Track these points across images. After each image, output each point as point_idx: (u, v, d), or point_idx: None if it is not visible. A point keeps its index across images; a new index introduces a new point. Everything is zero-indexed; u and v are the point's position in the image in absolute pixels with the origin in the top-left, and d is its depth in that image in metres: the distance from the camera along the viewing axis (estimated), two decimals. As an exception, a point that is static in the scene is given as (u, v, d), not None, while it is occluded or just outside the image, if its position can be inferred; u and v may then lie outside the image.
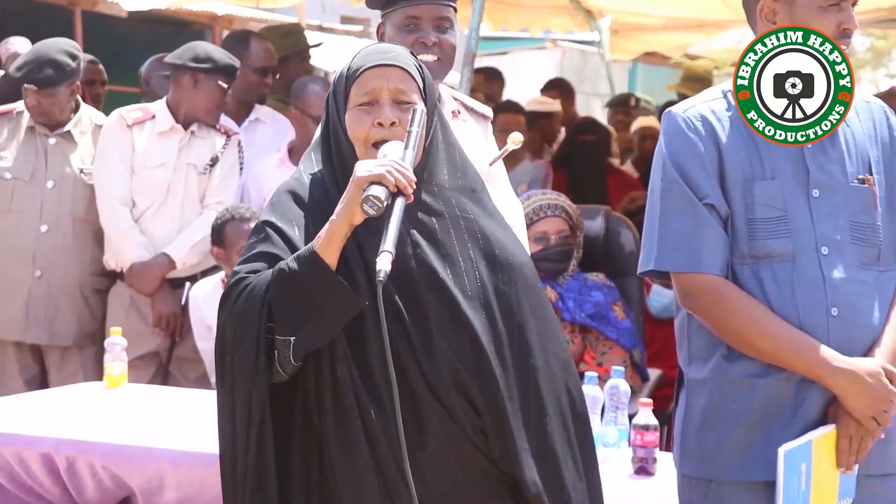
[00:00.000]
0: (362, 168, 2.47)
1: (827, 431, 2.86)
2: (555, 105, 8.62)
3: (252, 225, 5.00)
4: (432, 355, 2.52)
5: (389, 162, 2.48)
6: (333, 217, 2.49)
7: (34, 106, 5.31)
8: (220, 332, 2.59)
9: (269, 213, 2.64)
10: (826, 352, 2.85)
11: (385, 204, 2.44)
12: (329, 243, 2.48)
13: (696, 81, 9.44)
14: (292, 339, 2.49)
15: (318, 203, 2.62)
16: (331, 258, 2.48)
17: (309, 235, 2.57)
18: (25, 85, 5.28)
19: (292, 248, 2.57)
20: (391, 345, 2.46)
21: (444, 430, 2.53)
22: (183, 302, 5.28)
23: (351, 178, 2.49)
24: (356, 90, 2.61)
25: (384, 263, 2.39)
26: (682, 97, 9.20)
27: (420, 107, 2.57)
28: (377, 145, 2.58)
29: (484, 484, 2.59)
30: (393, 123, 2.58)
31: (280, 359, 2.51)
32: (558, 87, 9.62)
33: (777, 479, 2.79)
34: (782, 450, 2.79)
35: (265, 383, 2.52)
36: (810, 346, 2.85)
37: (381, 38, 3.58)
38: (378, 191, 2.43)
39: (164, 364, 5.31)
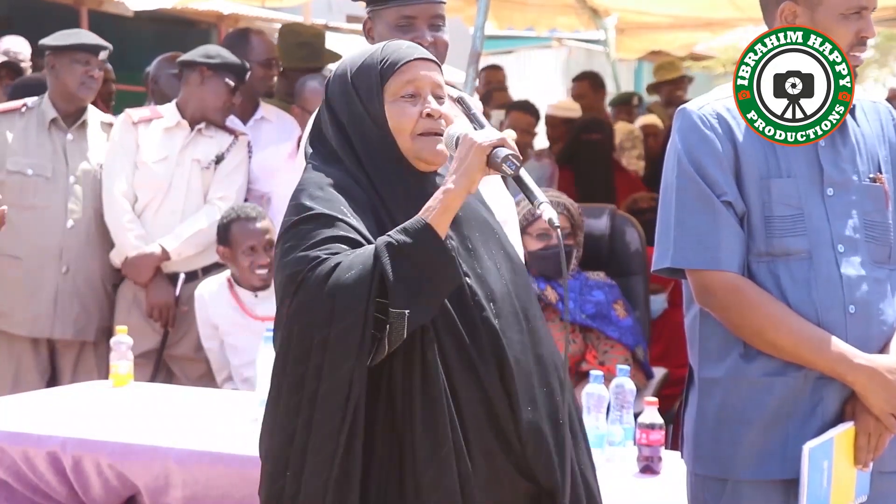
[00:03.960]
0: (483, 136, 2.49)
1: (846, 429, 2.86)
2: (576, 110, 8.61)
3: (259, 225, 5.04)
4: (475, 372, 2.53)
5: (493, 131, 2.52)
6: (450, 186, 2.47)
7: (93, 78, 5.32)
8: (302, 312, 2.46)
9: (315, 203, 2.52)
10: (846, 348, 2.85)
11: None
12: (443, 213, 2.47)
13: (667, 70, 9.49)
14: (407, 311, 2.43)
15: (357, 199, 2.56)
16: (443, 230, 2.47)
17: (369, 226, 2.52)
18: (101, 53, 5.32)
19: (363, 235, 2.50)
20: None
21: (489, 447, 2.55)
22: (177, 294, 5.30)
23: (465, 147, 2.49)
24: (397, 81, 2.60)
25: (551, 212, 2.45)
26: (662, 90, 9.26)
27: (464, 94, 2.63)
28: (426, 135, 2.59)
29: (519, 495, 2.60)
30: (441, 115, 2.60)
31: (392, 334, 2.44)
32: (590, 80, 9.56)
33: (801, 477, 2.79)
34: (807, 447, 2.79)
35: (366, 361, 2.44)
36: (830, 343, 2.84)
37: (368, 33, 3.53)
38: (507, 151, 2.48)
39: (159, 358, 5.32)
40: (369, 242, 2.49)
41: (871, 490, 2.94)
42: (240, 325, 5.06)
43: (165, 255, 5.27)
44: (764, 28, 3.04)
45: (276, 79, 6.07)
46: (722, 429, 2.94)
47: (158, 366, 5.34)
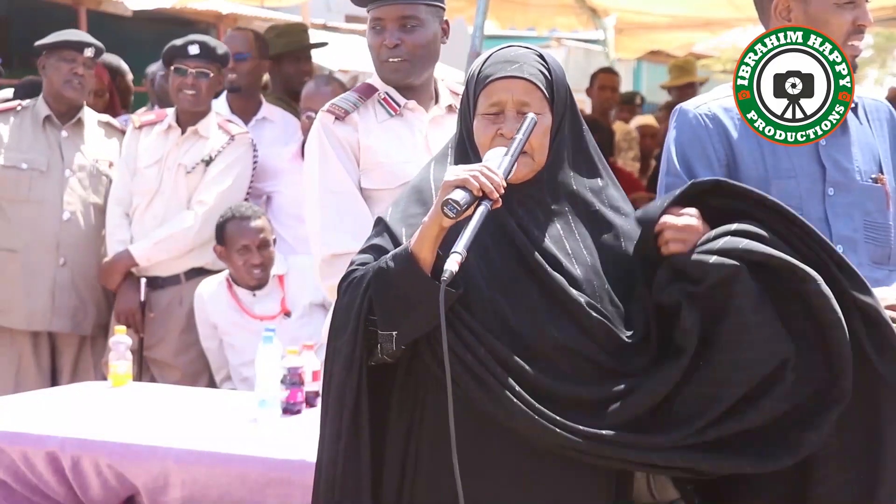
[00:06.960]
0: (451, 172, 2.52)
1: None
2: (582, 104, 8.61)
3: (253, 224, 5.04)
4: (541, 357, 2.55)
5: (479, 166, 2.52)
6: (425, 219, 2.53)
7: (78, 75, 5.30)
8: (332, 318, 2.68)
9: (390, 209, 2.71)
10: None
11: (464, 208, 2.47)
12: (420, 243, 2.52)
13: (683, 72, 9.45)
14: (394, 333, 2.55)
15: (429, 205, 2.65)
16: (424, 256, 2.52)
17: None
18: (86, 49, 5.30)
19: (396, 244, 2.62)
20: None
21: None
22: (143, 299, 5.28)
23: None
24: (483, 99, 2.65)
25: (452, 264, 2.44)
26: (677, 92, 9.22)
27: (531, 116, 2.60)
28: None
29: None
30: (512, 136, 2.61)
31: (383, 350, 2.58)
32: (611, 72, 9.55)
33: None
34: None
35: (358, 375, 2.60)
36: None
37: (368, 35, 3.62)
38: (458, 195, 2.47)
39: (140, 359, 5.31)
40: None
41: None
42: (238, 325, 5.06)
43: (132, 261, 5.27)
44: (763, 28, 3.04)
45: (262, 74, 6.04)
46: None
47: (141, 367, 5.32)
